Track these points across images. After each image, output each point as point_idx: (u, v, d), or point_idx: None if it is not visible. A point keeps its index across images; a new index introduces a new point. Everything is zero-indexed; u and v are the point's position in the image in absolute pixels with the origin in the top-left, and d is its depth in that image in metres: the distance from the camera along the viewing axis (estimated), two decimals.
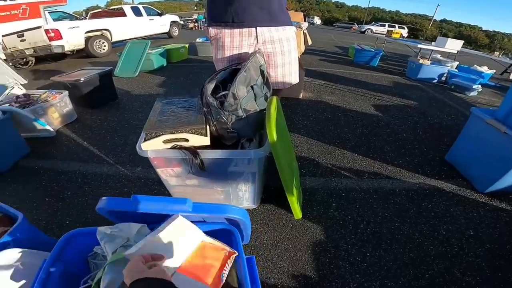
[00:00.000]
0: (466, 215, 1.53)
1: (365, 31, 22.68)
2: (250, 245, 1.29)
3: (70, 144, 2.20)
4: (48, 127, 2.21)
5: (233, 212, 0.80)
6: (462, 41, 5.48)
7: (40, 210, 1.52)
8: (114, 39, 7.41)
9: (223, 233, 0.82)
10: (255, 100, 1.06)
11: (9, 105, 2.17)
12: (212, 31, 1.29)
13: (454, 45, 5.30)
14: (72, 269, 0.83)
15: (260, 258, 1.23)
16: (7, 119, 1.92)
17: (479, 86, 4.05)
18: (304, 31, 3.76)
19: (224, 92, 1.00)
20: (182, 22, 13.02)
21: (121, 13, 8.07)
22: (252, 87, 1.04)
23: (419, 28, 42.05)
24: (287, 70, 1.40)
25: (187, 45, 5.61)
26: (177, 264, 0.68)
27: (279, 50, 1.32)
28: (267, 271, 1.17)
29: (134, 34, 8.20)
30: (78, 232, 0.86)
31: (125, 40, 7.95)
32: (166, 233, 0.69)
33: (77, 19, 9.65)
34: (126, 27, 7.82)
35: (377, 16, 52.91)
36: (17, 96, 2.30)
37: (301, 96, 3.31)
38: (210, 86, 1.00)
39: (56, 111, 2.34)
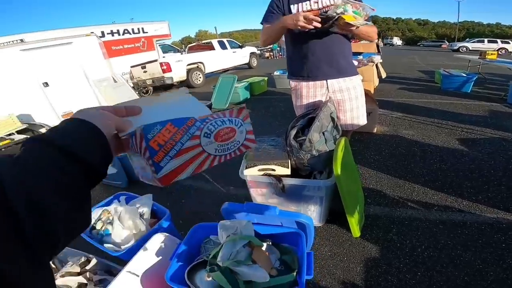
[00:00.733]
0: None
1: (458, 49, 19.46)
2: (313, 254, 1.58)
3: None
4: None
5: (302, 217, 1.16)
6: None
7: None
8: (206, 71, 8.79)
9: (293, 235, 1.17)
10: (325, 143, 1.42)
11: None
12: (292, 83, 1.71)
13: None
14: (191, 251, 1.30)
15: (318, 265, 1.49)
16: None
17: None
18: (377, 64, 3.84)
19: (302, 138, 1.39)
20: (259, 52, 14.39)
21: (210, 47, 9.47)
22: (323, 133, 1.39)
23: None
24: (355, 114, 1.69)
25: (266, 78, 6.33)
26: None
27: (347, 97, 1.63)
28: (321, 275, 1.43)
29: (221, 66, 9.56)
30: (200, 225, 1.33)
31: (215, 71, 9.40)
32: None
33: (178, 51, 11.84)
34: (215, 60, 9.18)
35: (471, 31, 44.80)
36: None
37: (375, 131, 3.29)
38: (292, 132, 1.41)
39: None
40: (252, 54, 11.29)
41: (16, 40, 6.04)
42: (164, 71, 7.18)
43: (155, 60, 7.34)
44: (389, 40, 39.05)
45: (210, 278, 1.03)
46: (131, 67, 7.54)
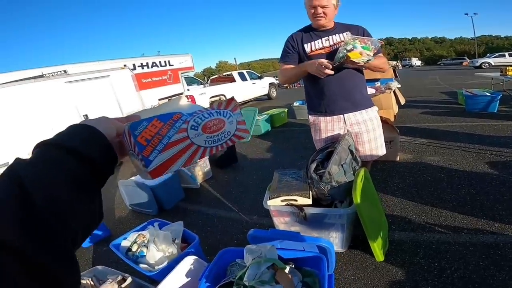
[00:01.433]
0: None
1: (480, 65, 18.75)
2: (334, 277, 1.58)
3: (208, 194, 3.09)
4: (196, 181, 3.19)
5: (322, 242, 1.23)
6: None
7: None
8: None
9: (315, 259, 1.22)
10: (345, 175, 1.49)
11: None
12: (311, 118, 1.82)
13: None
14: (218, 273, 1.37)
15: None
16: (176, 174, 2.96)
17: None
18: (395, 90, 3.87)
19: (322, 170, 1.48)
20: (277, 82, 14.84)
21: (231, 79, 9.77)
22: (342, 165, 1.47)
23: None
24: (373, 145, 1.75)
25: (286, 110, 6.44)
26: None
27: (365, 129, 1.71)
28: None
29: (242, 97, 9.82)
30: (227, 250, 1.42)
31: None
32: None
33: (201, 83, 12.42)
34: (236, 92, 9.44)
35: (491, 45, 43.19)
36: None
37: (397, 159, 3.21)
38: (312, 166, 1.51)
39: (200, 170, 3.36)
40: (271, 84, 11.50)
41: (60, 71, 6.26)
42: None
43: (181, 93, 7.72)
44: (407, 61, 38.59)
45: None
46: (159, 100, 7.96)
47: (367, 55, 1.42)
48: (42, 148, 0.35)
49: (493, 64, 18.45)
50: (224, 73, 11.50)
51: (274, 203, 1.59)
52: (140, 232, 1.80)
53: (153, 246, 1.62)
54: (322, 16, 1.53)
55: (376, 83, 4.62)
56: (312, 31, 1.65)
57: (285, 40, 1.74)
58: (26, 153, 3.95)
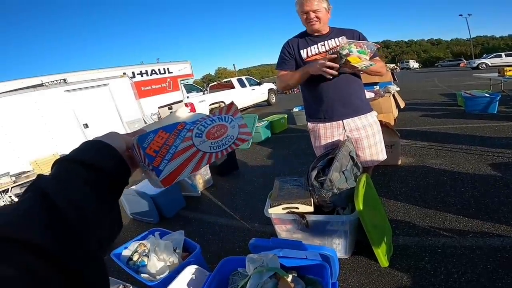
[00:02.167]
0: None
1: (477, 66, 18.86)
2: (337, 284, 1.55)
3: (209, 203, 3.07)
4: (197, 189, 3.17)
5: (325, 250, 1.22)
6: None
7: None
8: None
9: (318, 267, 1.20)
10: (346, 181, 1.48)
11: None
12: (310, 125, 1.81)
13: None
14: (220, 282, 1.34)
15: None
16: (176, 182, 2.94)
17: None
18: (394, 93, 3.87)
19: (323, 178, 1.46)
20: (276, 88, 14.79)
21: (231, 85, 9.75)
22: (343, 172, 1.46)
23: None
24: (373, 150, 1.74)
25: (285, 116, 6.43)
26: None
27: (364, 135, 1.70)
28: None
29: (242, 104, 9.81)
30: (228, 259, 1.39)
31: None
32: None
33: (200, 90, 12.41)
34: (236, 98, 9.44)
35: (486, 45, 43.30)
36: None
37: (399, 163, 3.19)
38: (313, 173, 1.49)
39: (201, 178, 3.34)
40: (270, 90, 11.49)
41: (60, 80, 6.32)
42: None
43: (181, 101, 7.71)
44: (405, 63, 38.80)
45: None
46: (159, 107, 7.97)
47: (366, 60, 1.41)
48: (61, 163, 0.38)
49: (490, 64, 18.60)
50: (224, 80, 11.51)
51: (275, 211, 1.57)
52: (141, 242, 1.77)
53: (154, 256, 1.60)
54: (315, 21, 1.53)
55: (375, 87, 4.62)
56: (308, 37, 1.65)
57: (281, 46, 1.75)
58: (27, 162, 3.94)
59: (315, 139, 1.79)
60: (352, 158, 1.52)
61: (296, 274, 1.19)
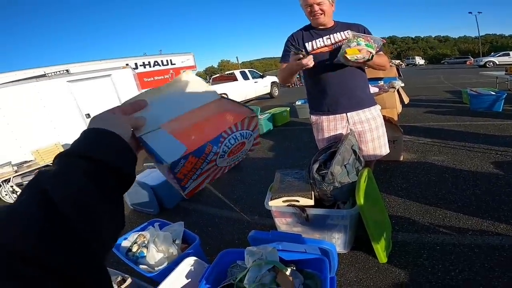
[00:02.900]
0: None
1: (485, 64, 18.63)
2: (336, 279, 1.56)
3: (210, 194, 3.07)
4: None
5: (324, 244, 1.21)
6: None
7: None
8: None
9: (317, 261, 1.20)
10: (348, 175, 1.46)
11: None
12: (313, 117, 1.79)
13: None
14: (218, 274, 1.35)
15: None
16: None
17: None
18: (399, 89, 3.82)
19: (324, 171, 1.45)
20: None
21: (233, 78, 9.72)
22: (345, 165, 1.44)
23: None
24: (376, 144, 1.72)
25: (288, 109, 6.40)
26: (167, 119, 0.50)
27: (368, 128, 1.68)
28: None
29: (244, 96, 9.80)
30: (227, 251, 1.40)
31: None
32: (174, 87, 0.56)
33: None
34: (238, 91, 9.44)
35: (495, 44, 42.57)
36: None
37: (401, 159, 3.17)
38: (315, 166, 1.48)
39: None
40: (273, 83, 11.42)
41: (63, 71, 6.40)
42: None
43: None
44: (410, 60, 38.40)
45: None
46: None
47: (369, 53, 1.40)
48: (61, 158, 0.35)
49: (497, 63, 18.33)
50: (226, 72, 11.43)
51: (275, 204, 1.56)
52: (140, 233, 1.78)
53: (153, 247, 1.60)
54: (320, 14, 1.50)
55: (379, 82, 4.55)
56: (313, 30, 1.62)
57: (286, 39, 1.72)
58: (29, 152, 3.95)
59: (318, 131, 1.78)
60: (354, 152, 1.50)
61: (294, 268, 1.19)
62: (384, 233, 1.58)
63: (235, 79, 9.71)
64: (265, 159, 4.08)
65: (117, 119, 0.41)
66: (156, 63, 8.62)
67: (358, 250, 1.76)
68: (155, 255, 1.58)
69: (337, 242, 1.65)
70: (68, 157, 0.35)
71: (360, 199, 1.33)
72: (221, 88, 8.76)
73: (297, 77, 18.38)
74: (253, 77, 10.43)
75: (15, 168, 4.05)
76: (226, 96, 0.63)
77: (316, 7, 1.48)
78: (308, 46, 1.61)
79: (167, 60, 8.92)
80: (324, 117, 1.71)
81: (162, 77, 8.72)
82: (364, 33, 1.57)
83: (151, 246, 1.61)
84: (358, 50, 1.39)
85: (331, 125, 1.70)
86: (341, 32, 1.57)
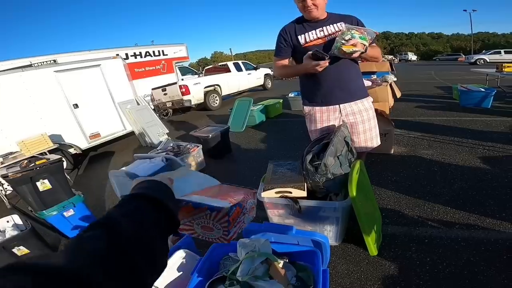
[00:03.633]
0: None
1: (475, 61, 18.91)
2: (328, 271, 1.58)
3: None
4: None
5: (317, 236, 1.22)
6: None
7: None
8: (223, 94, 8.89)
9: (310, 253, 1.20)
10: (340, 167, 1.46)
11: (166, 153, 3.22)
12: (306, 108, 1.79)
13: None
14: (211, 267, 1.34)
15: (334, 283, 1.51)
16: (169, 164, 2.90)
17: None
18: (391, 83, 3.85)
19: (318, 162, 1.44)
20: (273, 73, 14.58)
21: (226, 69, 9.60)
22: (338, 157, 1.45)
23: None
24: (368, 136, 1.74)
25: (281, 100, 6.39)
26: (190, 191, 0.67)
27: (360, 119, 1.69)
28: None
29: (237, 88, 9.69)
30: (219, 244, 1.38)
31: (231, 94, 9.64)
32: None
33: (196, 73, 12.21)
34: (231, 82, 9.29)
35: (487, 42, 43.03)
36: (173, 147, 3.39)
37: (392, 152, 3.22)
38: (308, 157, 1.47)
39: (194, 160, 3.30)
40: (266, 75, 11.37)
41: (50, 61, 6.29)
42: (183, 93, 7.27)
43: (175, 83, 7.54)
44: (403, 55, 38.76)
45: None
46: (152, 89, 7.80)
47: (363, 45, 1.40)
48: (130, 200, 0.42)
49: (488, 60, 18.68)
50: (219, 63, 11.28)
51: (268, 195, 1.56)
52: None
53: None
54: (313, 8, 1.47)
55: (372, 75, 4.59)
56: (305, 22, 1.59)
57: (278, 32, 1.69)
58: (14, 142, 3.82)
59: (310, 122, 1.78)
60: (347, 143, 1.51)
61: (287, 260, 1.19)
62: (375, 225, 1.61)
63: (228, 71, 9.59)
64: (257, 151, 4.07)
65: (166, 181, 0.52)
66: (147, 54, 8.44)
67: (349, 242, 1.78)
68: None
69: (329, 234, 1.67)
70: (136, 199, 0.42)
71: (353, 191, 1.33)
72: (213, 80, 8.62)
73: None
74: (247, 69, 10.32)
75: (1, 159, 3.93)
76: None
77: (309, 2, 1.45)
78: (301, 39, 1.58)
79: (159, 51, 8.73)
80: (317, 108, 1.71)
81: (154, 67, 8.56)
82: (357, 25, 1.56)
83: None
84: (353, 45, 1.38)
85: (324, 116, 1.71)
86: (334, 24, 1.55)
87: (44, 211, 2.19)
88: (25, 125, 4.27)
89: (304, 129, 1.84)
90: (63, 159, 4.31)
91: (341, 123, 1.69)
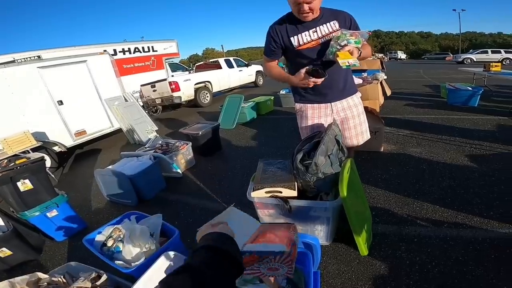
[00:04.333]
0: None
1: (463, 61, 19.33)
2: (319, 273, 1.56)
3: (191, 184, 2.99)
4: (178, 170, 3.07)
5: (308, 238, 1.19)
6: None
7: None
8: (214, 90, 8.79)
9: (300, 255, 1.17)
10: (331, 166, 1.44)
11: (155, 151, 3.15)
12: (297, 105, 1.76)
13: None
14: None
15: (325, 283, 1.49)
16: (157, 163, 2.83)
17: None
18: (382, 81, 3.87)
19: (308, 161, 1.42)
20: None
21: (218, 66, 9.53)
22: (329, 156, 1.42)
23: None
24: (358, 130, 1.74)
25: (272, 98, 6.36)
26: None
27: (350, 115, 1.69)
28: None
29: (228, 85, 9.61)
30: None
31: (222, 91, 9.55)
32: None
33: (186, 70, 12.04)
34: (222, 79, 9.21)
35: (474, 41, 44.05)
36: (161, 145, 3.31)
37: (382, 150, 3.24)
38: (299, 156, 1.44)
39: (183, 157, 3.24)
40: (258, 72, 11.29)
41: (34, 57, 5.99)
42: (172, 90, 7.18)
43: (164, 79, 7.43)
44: (393, 54, 39.39)
45: None
46: (141, 85, 7.64)
47: (358, 50, 1.38)
48: (208, 252, 0.52)
49: (475, 60, 19.11)
50: (210, 60, 11.14)
51: (258, 195, 1.53)
52: (115, 226, 1.69)
53: (129, 241, 1.52)
54: (308, 13, 1.40)
55: (363, 73, 4.59)
56: (298, 22, 1.50)
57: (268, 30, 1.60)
58: None
59: (301, 119, 1.75)
60: (337, 142, 1.49)
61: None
62: (365, 225, 1.60)
63: (219, 67, 9.49)
64: (248, 148, 4.03)
65: (230, 233, 0.64)
66: (136, 50, 8.23)
67: (340, 241, 1.77)
68: (131, 250, 1.50)
69: (319, 234, 1.65)
70: (209, 250, 0.51)
71: (343, 191, 1.31)
72: (204, 76, 8.52)
73: (283, 67, 18.40)
74: (238, 66, 10.24)
75: None
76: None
77: (306, 7, 1.36)
78: (294, 41, 1.51)
79: (148, 47, 8.53)
80: (308, 105, 1.70)
81: (143, 63, 8.38)
82: (351, 23, 1.52)
83: (126, 240, 1.53)
84: (349, 53, 1.34)
85: (315, 113, 1.69)
86: (328, 24, 1.48)
87: (26, 212, 2.11)
88: (7, 122, 4.11)
89: (295, 127, 1.81)
90: (47, 157, 4.17)
91: (332, 121, 1.67)
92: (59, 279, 1.42)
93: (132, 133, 4.99)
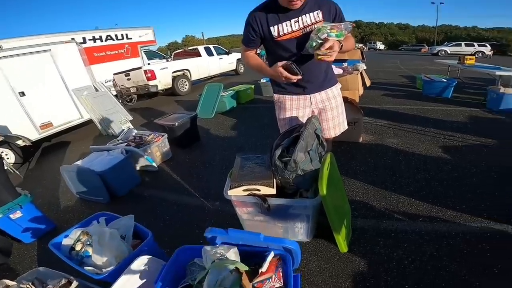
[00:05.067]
0: None
1: (437, 53, 20.18)
2: (299, 270, 1.54)
3: (168, 178, 2.86)
4: (154, 164, 2.93)
5: (287, 243, 1.15)
6: None
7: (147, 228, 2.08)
8: (193, 78, 8.58)
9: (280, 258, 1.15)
10: (311, 163, 1.39)
11: (127, 145, 2.97)
12: (276, 96, 1.69)
13: None
14: (176, 273, 1.24)
15: (306, 282, 1.48)
16: (129, 157, 2.67)
17: None
18: (362, 72, 3.88)
19: (287, 158, 1.36)
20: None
21: (197, 54, 9.29)
22: (308, 152, 1.37)
23: (507, 43, 31.02)
24: (336, 122, 1.71)
25: (252, 86, 6.24)
26: None
27: (329, 107, 1.65)
28: None
29: (208, 73, 9.41)
30: (184, 248, 1.29)
31: (201, 79, 9.29)
32: None
33: (164, 57, 11.58)
34: (202, 67, 8.99)
35: (449, 34, 45.57)
36: (134, 137, 3.13)
37: (360, 140, 3.27)
38: (277, 152, 1.38)
39: (158, 150, 3.08)
40: (239, 60, 11.12)
41: None
42: (148, 78, 6.93)
43: (139, 68, 7.12)
44: (372, 44, 40.25)
45: None
46: (114, 74, 7.27)
47: (339, 43, 1.31)
48: None
49: (449, 52, 19.92)
50: (189, 48, 10.74)
51: (235, 193, 1.46)
52: (84, 229, 1.56)
53: (98, 246, 1.41)
54: (298, 2, 1.31)
55: (343, 63, 4.59)
56: (279, 10, 1.40)
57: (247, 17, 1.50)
58: None
59: (280, 110, 1.69)
60: (317, 136, 1.44)
61: (257, 267, 1.12)
62: (345, 220, 1.59)
63: (199, 55, 9.22)
64: (227, 138, 3.93)
65: None
66: (109, 37, 7.76)
67: (320, 237, 1.76)
68: (101, 255, 1.39)
69: (299, 231, 1.62)
70: None
71: (323, 189, 1.28)
72: (182, 64, 8.24)
73: (264, 56, 18.16)
74: (218, 53, 10.00)
75: None
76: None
77: None
78: (274, 31, 1.41)
79: (122, 34, 8.05)
80: (287, 97, 1.63)
81: (116, 51, 7.94)
82: (336, 13, 1.43)
83: (95, 245, 1.42)
84: (330, 47, 1.26)
85: (293, 104, 1.63)
86: (311, 14, 1.39)
87: None
88: None
89: (275, 116, 1.75)
90: (10, 152, 3.86)
91: (310, 112, 1.63)
92: (27, 286, 1.32)
93: (104, 124, 4.71)
